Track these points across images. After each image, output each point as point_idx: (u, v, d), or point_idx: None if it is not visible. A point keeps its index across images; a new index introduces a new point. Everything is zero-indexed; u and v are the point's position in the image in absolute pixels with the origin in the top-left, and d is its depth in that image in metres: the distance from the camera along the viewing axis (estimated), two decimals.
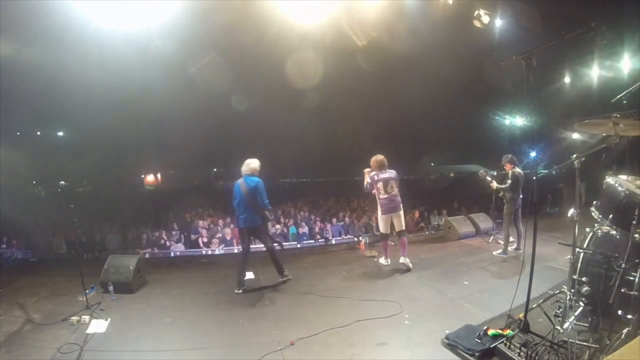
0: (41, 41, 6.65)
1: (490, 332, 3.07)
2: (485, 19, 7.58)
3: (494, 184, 6.13)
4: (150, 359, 3.23)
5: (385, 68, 10.68)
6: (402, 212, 5.42)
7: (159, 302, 4.46)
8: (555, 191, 11.16)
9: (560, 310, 2.98)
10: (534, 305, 3.31)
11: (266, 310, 4.24)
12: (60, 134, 17.54)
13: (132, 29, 6.22)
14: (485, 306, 3.98)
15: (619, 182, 3.02)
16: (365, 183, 5.55)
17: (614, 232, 3.15)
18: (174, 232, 9.67)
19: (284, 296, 4.61)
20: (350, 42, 7.90)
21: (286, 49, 8.41)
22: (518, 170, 5.94)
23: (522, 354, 2.72)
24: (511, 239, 6.08)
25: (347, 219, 10.82)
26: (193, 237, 9.28)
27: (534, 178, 3.10)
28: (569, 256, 3.15)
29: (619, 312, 2.68)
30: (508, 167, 5.99)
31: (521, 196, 5.88)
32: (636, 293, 2.62)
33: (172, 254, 8.37)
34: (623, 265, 2.70)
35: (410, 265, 5.34)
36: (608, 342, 2.59)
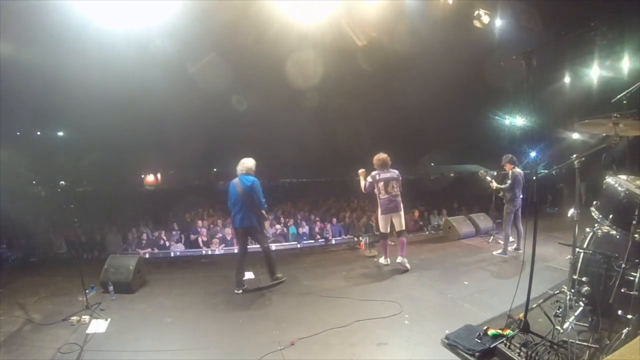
0: (41, 41, 6.65)
1: (490, 332, 3.07)
2: (485, 19, 7.58)
3: (494, 184, 6.13)
4: (150, 359, 3.23)
5: (385, 68, 10.68)
6: (402, 212, 5.38)
7: (159, 302, 4.46)
8: (555, 191, 11.16)
9: (560, 310, 2.98)
10: (534, 305, 3.31)
11: (266, 310, 4.24)
12: (60, 134, 17.54)
13: (132, 29, 6.22)
14: (485, 306, 3.98)
15: (619, 182, 3.02)
16: (363, 184, 5.47)
17: (614, 232, 3.15)
18: (174, 232, 9.67)
19: (284, 296, 4.61)
20: (350, 42, 7.90)
21: (286, 49, 8.40)
22: (518, 170, 5.94)
23: (522, 354, 2.72)
24: (511, 239, 6.08)
25: (347, 219, 10.82)
26: (192, 237, 9.28)
27: (534, 178, 3.10)
28: (569, 256, 3.15)
29: (619, 312, 2.68)
30: (508, 167, 5.99)
31: (521, 196, 5.87)
32: (636, 293, 2.62)
33: (172, 254, 8.36)
34: (623, 265, 2.70)
35: (408, 265, 5.34)
36: (608, 342, 2.59)
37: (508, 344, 2.86)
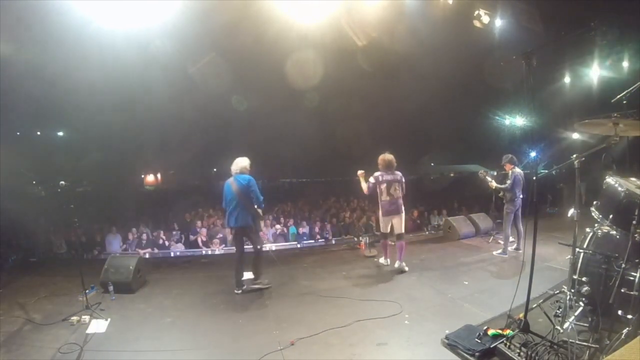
0: (41, 41, 6.65)
1: (490, 332, 3.07)
2: (485, 19, 7.58)
3: (493, 184, 6.12)
4: (150, 359, 3.23)
5: (385, 68, 10.69)
6: (403, 215, 5.33)
7: (159, 302, 4.47)
8: (555, 191, 11.16)
9: (560, 310, 2.98)
10: (534, 305, 3.31)
11: (266, 310, 4.24)
12: (60, 134, 17.54)
13: (132, 29, 6.22)
14: (485, 306, 3.98)
15: (619, 182, 3.02)
16: (364, 185, 5.39)
17: (614, 232, 3.15)
18: (174, 232, 9.67)
19: (284, 296, 4.61)
20: (350, 42, 7.89)
21: (286, 49, 8.40)
22: (518, 170, 5.94)
23: (522, 354, 2.72)
24: (511, 239, 6.08)
25: (347, 219, 10.82)
26: (192, 237, 9.28)
27: (534, 178, 3.10)
28: (569, 256, 3.15)
29: (619, 312, 2.68)
30: (508, 167, 5.99)
31: (521, 196, 5.87)
32: (636, 293, 2.62)
33: (172, 254, 8.36)
34: (623, 265, 2.70)
35: (406, 268, 5.34)
36: (608, 342, 2.59)
37: (508, 344, 2.86)
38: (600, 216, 3.14)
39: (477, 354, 2.92)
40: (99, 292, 4.68)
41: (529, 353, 2.68)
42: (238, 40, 7.93)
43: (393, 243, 5.64)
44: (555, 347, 2.74)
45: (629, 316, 2.61)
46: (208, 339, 3.57)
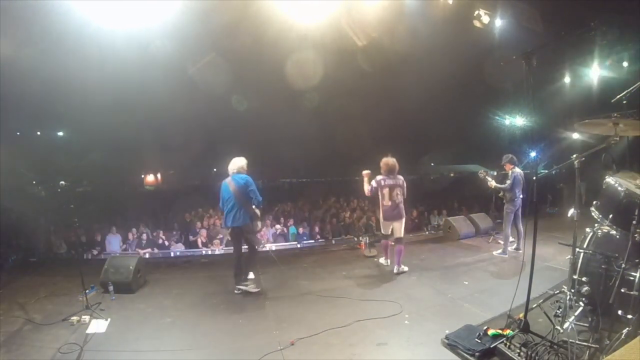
0: (41, 41, 6.64)
1: (490, 332, 3.07)
2: (485, 19, 7.58)
3: (493, 184, 6.12)
4: (150, 359, 3.23)
5: (385, 68, 10.67)
6: (404, 220, 5.32)
7: (159, 302, 4.47)
8: (555, 191, 11.16)
9: (560, 310, 2.98)
10: (534, 305, 3.32)
11: (266, 310, 4.24)
12: (60, 134, 17.52)
13: (132, 29, 6.22)
14: (485, 306, 3.99)
15: (619, 182, 3.02)
16: (367, 187, 5.35)
17: (614, 232, 3.16)
18: (174, 232, 9.67)
19: (284, 296, 4.62)
20: (350, 42, 7.89)
21: (286, 49, 8.40)
22: (518, 170, 5.94)
23: (522, 354, 2.72)
24: (511, 239, 6.08)
25: (347, 219, 10.82)
26: (192, 238, 9.28)
27: (534, 178, 3.10)
28: (569, 256, 3.16)
29: (619, 312, 2.68)
30: (508, 167, 5.99)
31: (521, 196, 5.87)
32: (636, 293, 2.62)
33: (172, 254, 8.36)
34: (623, 265, 2.70)
35: (406, 268, 5.34)
36: (608, 342, 2.60)
37: (508, 344, 2.86)
38: (600, 216, 3.15)
39: (477, 354, 2.92)
40: (99, 292, 4.68)
41: (529, 353, 2.68)
42: (238, 40, 7.92)
43: (393, 243, 5.64)
44: (555, 347, 2.74)
45: (629, 316, 2.61)
46: (208, 339, 3.57)
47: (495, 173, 7.22)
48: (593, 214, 3.25)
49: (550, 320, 3.02)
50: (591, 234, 3.38)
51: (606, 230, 3.29)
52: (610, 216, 3.02)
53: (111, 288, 4.57)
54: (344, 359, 3.14)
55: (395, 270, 5.28)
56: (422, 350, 3.20)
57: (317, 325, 3.68)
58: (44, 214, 9.63)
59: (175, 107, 12.42)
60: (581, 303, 3.09)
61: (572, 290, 3.08)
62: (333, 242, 9.07)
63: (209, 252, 8.40)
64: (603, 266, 2.99)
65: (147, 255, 8.02)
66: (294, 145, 16.21)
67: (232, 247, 5.15)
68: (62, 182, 4.39)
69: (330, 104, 13.99)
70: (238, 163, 4.72)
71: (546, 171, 5.47)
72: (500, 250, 6.06)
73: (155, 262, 6.99)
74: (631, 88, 3.07)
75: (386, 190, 5.20)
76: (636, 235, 2.65)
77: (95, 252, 8.45)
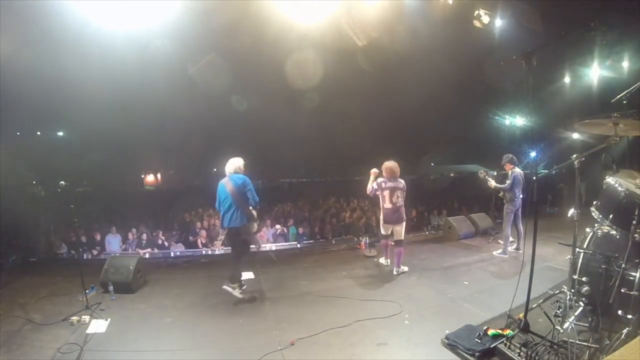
0: (41, 41, 6.64)
1: (490, 332, 3.07)
2: (485, 19, 7.58)
3: (493, 184, 6.12)
4: (150, 359, 3.24)
5: (385, 68, 10.67)
6: (404, 224, 5.31)
7: (159, 302, 4.47)
8: (555, 191, 11.16)
9: (560, 310, 2.98)
10: (534, 305, 3.32)
11: (266, 310, 4.24)
12: (60, 134, 17.52)
13: (132, 29, 6.22)
14: (485, 306, 3.99)
15: (619, 182, 3.02)
16: (370, 186, 5.37)
17: (614, 232, 3.16)
18: (173, 232, 9.67)
19: (284, 296, 4.62)
20: (350, 42, 7.89)
21: (286, 49, 8.40)
22: (518, 170, 5.94)
23: (522, 354, 2.72)
24: (511, 239, 6.08)
25: (347, 219, 10.82)
26: (192, 238, 9.28)
27: (534, 178, 3.10)
28: (569, 256, 3.16)
29: (619, 312, 2.68)
30: (508, 167, 5.99)
31: (521, 196, 5.87)
32: (636, 293, 2.62)
33: (172, 254, 8.36)
34: (623, 265, 2.70)
35: (406, 268, 5.35)
36: (608, 342, 2.60)
37: (508, 344, 2.87)
38: (600, 216, 3.15)
39: (477, 354, 2.92)
40: (99, 292, 4.68)
41: (529, 353, 2.68)
42: (238, 40, 7.91)
43: (393, 243, 5.64)
44: (555, 347, 2.74)
45: (629, 316, 2.61)
46: (208, 339, 3.57)
47: (495, 173, 7.23)
48: (593, 214, 3.25)
49: (550, 320, 3.02)
50: (591, 234, 3.38)
51: (606, 230, 3.29)
52: (610, 216, 3.02)
53: (111, 288, 4.57)
54: (344, 359, 3.14)
55: (395, 272, 5.27)
56: (422, 350, 3.20)
57: (317, 325, 3.68)
58: (44, 214, 9.62)
59: (175, 107, 12.41)
60: (581, 303, 3.09)
61: (572, 290, 3.08)
62: (333, 242, 9.08)
63: (209, 252, 8.41)
64: (603, 266, 2.99)
65: (147, 255, 8.02)
66: (294, 145, 16.20)
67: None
68: (62, 182, 4.38)
69: (330, 104, 13.99)
70: (235, 163, 4.68)
71: (546, 171, 5.47)
72: (500, 250, 6.07)
73: (155, 262, 6.99)
74: (631, 88, 3.07)
75: (387, 193, 5.20)
76: (636, 235, 2.66)
77: (95, 252, 8.45)
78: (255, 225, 4.90)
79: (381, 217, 5.38)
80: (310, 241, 9.47)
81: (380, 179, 5.31)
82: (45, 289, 4.85)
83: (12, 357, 3.25)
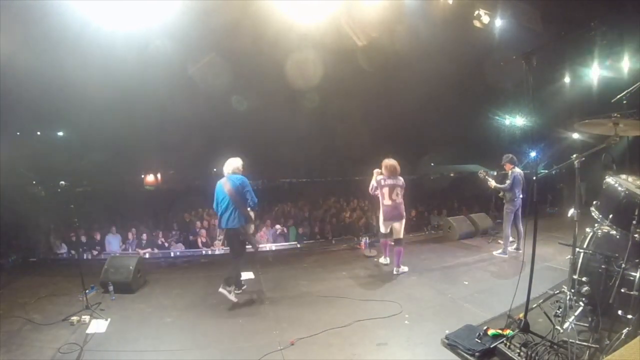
0: (41, 41, 6.64)
1: (490, 332, 3.07)
2: (485, 19, 7.58)
3: (493, 184, 6.12)
4: (150, 359, 3.24)
5: (385, 68, 10.68)
6: (404, 221, 5.33)
7: (159, 302, 4.47)
8: (555, 191, 11.16)
9: (560, 310, 2.98)
10: (534, 305, 3.32)
11: (266, 310, 4.24)
12: (60, 134, 17.52)
13: (132, 29, 6.22)
14: (485, 306, 3.99)
15: (619, 182, 3.02)
16: (372, 185, 5.42)
17: (614, 232, 3.15)
18: (173, 232, 9.66)
19: (283, 296, 4.62)
20: (350, 42, 7.89)
21: (286, 49, 8.40)
22: (518, 170, 5.94)
23: (522, 354, 2.72)
24: (511, 239, 6.08)
25: (347, 219, 10.82)
26: (192, 238, 9.28)
27: (534, 178, 3.10)
28: (569, 256, 3.16)
29: (619, 312, 2.68)
30: (508, 167, 5.99)
31: (521, 196, 5.88)
32: (636, 293, 2.62)
33: (172, 254, 8.36)
34: (623, 265, 2.70)
35: (406, 268, 5.34)
36: (608, 342, 2.60)
37: (508, 344, 2.86)
38: (600, 216, 3.15)
39: (477, 354, 2.92)
40: (99, 292, 4.68)
41: (529, 353, 2.68)
42: (238, 40, 7.91)
43: (393, 243, 5.65)
44: (555, 347, 2.74)
45: (629, 316, 2.62)
46: (208, 339, 3.57)
47: (495, 173, 7.22)
48: (593, 214, 3.25)
49: (550, 320, 3.02)
50: (591, 234, 3.38)
51: (606, 230, 3.29)
52: (610, 216, 3.02)
53: (111, 288, 4.56)
54: (343, 359, 3.14)
55: (394, 272, 5.27)
56: (422, 350, 3.20)
57: (317, 325, 3.68)
58: (44, 214, 9.63)
59: (175, 107, 12.41)
60: (581, 303, 3.09)
61: (572, 290, 3.08)
62: (333, 242, 9.08)
63: (209, 252, 8.41)
64: (603, 266, 2.99)
65: (147, 255, 8.02)
66: (294, 145, 16.20)
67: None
68: (62, 182, 4.38)
69: (330, 104, 13.99)
70: (234, 164, 4.65)
71: (546, 171, 5.47)
72: (500, 250, 6.06)
73: (155, 262, 6.99)
74: (631, 88, 3.07)
75: (386, 190, 5.23)
76: (636, 235, 2.66)
77: (95, 252, 8.45)
78: (252, 226, 4.88)
79: (381, 215, 5.39)
80: (310, 241, 9.47)
81: (379, 177, 5.33)
82: (45, 289, 4.84)
83: (12, 357, 3.25)
